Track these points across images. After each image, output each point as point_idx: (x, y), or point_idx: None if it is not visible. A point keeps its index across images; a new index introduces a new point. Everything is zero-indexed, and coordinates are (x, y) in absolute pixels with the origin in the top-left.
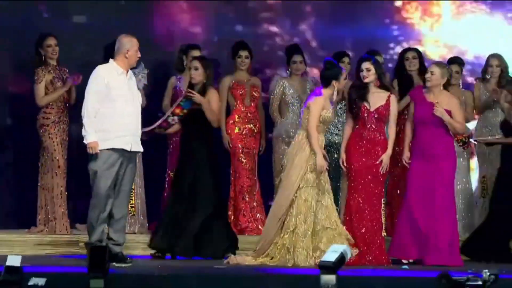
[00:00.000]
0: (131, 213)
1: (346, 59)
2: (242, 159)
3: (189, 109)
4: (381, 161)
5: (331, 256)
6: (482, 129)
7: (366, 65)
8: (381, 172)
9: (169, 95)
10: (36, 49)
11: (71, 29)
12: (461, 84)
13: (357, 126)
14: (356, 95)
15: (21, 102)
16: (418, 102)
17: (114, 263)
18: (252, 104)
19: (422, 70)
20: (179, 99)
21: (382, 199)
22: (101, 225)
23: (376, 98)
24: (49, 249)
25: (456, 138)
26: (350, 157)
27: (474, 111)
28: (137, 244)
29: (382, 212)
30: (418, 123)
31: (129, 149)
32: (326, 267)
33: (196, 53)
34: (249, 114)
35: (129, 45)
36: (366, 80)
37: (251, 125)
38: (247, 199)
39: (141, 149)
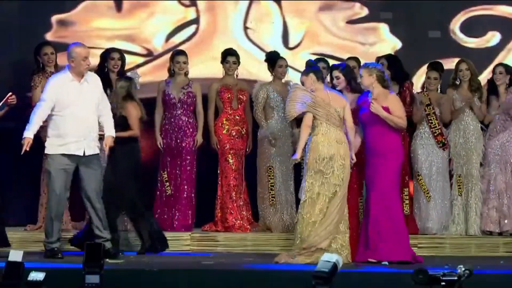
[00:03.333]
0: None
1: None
2: (230, 160)
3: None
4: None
5: (324, 265)
6: (456, 132)
7: (335, 73)
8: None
9: (160, 98)
10: (34, 57)
11: None
12: (439, 89)
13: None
14: None
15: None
16: (362, 105)
17: (107, 260)
18: (239, 107)
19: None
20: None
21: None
22: (56, 224)
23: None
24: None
25: (436, 140)
26: None
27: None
28: (128, 240)
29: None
30: (364, 124)
31: (81, 154)
32: (320, 277)
33: (182, 58)
34: (236, 117)
35: (74, 55)
36: (338, 88)
37: (239, 127)
38: (234, 198)
39: (97, 151)
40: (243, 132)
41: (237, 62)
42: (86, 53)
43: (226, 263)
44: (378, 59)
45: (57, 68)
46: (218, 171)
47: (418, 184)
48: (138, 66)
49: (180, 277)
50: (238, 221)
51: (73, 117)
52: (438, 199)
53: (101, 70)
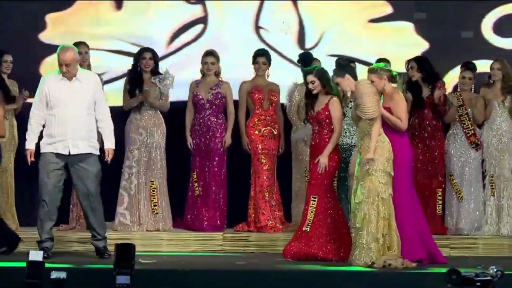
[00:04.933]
0: (155, 211)
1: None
2: (262, 160)
3: None
4: (318, 161)
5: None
6: (488, 133)
7: (310, 78)
8: (319, 172)
9: (190, 99)
10: None
11: None
12: (473, 89)
13: (312, 131)
14: (307, 104)
15: None
16: None
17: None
18: (270, 107)
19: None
20: None
21: (312, 196)
22: (47, 222)
23: (319, 103)
24: (77, 246)
25: (469, 141)
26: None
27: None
28: (161, 241)
29: (311, 208)
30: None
31: (67, 153)
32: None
33: (211, 59)
34: (268, 117)
35: (57, 57)
36: (314, 92)
37: (270, 127)
38: (267, 198)
39: (85, 151)
40: (274, 133)
41: (267, 62)
42: (67, 58)
43: (258, 264)
44: (408, 62)
45: (90, 68)
46: (251, 172)
47: (451, 185)
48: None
49: (212, 278)
50: (271, 221)
51: (61, 116)
52: (470, 200)
53: (135, 70)
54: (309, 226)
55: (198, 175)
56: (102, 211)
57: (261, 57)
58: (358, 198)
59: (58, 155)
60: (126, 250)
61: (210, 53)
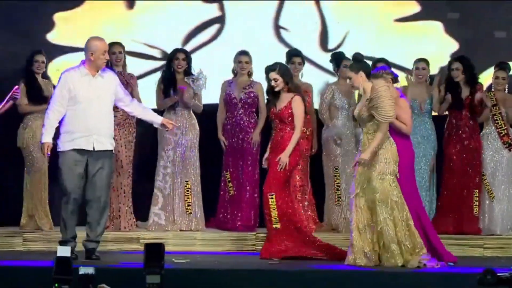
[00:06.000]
0: (188, 211)
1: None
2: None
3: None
4: (279, 159)
5: None
6: None
7: (273, 75)
8: (279, 170)
9: (222, 98)
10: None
11: None
12: (506, 89)
13: (273, 128)
14: (270, 102)
15: None
16: None
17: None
18: None
19: (469, 77)
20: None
21: (269, 194)
22: (71, 220)
23: (282, 100)
24: (111, 245)
25: (502, 140)
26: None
27: None
28: (194, 240)
29: (272, 206)
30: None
31: (91, 149)
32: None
33: (245, 58)
34: None
35: (94, 48)
36: (276, 89)
37: (304, 127)
38: (300, 198)
39: (108, 148)
40: (307, 133)
41: (303, 63)
42: (105, 46)
43: (291, 263)
44: (452, 62)
45: (125, 69)
46: None
47: (483, 184)
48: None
49: (244, 277)
50: (304, 221)
51: (85, 112)
52: (503, 200)
53: (168, 70)
54: (278, 223)
55: (232, 174)
56: (107, 213)
57: (297, 57)
58: (370, 201)
59: (80, 151)
60: (155, 250)
61: (244, 52)
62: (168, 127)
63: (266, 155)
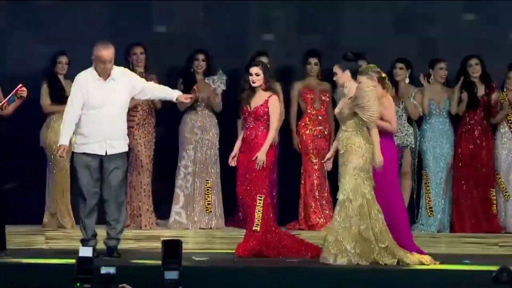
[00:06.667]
0: (208, 210)
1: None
2: (313, 159)
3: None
4: (256, 157)
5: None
6: None
7: (255, 70)
8: (257, 168)
9: None
10: (125, 57)
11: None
12: None
13: (246, 127)
14: (242, 99)
15: None
16: None
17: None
18: (321, 107)
19: (484, 75)
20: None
21: (258, 195)
22: (89, 219)
23: (258, 98)
24: (131, 243)
25: None
26: (238, 156)
27: None
28: (214, 239)
29: (258, 207)
30: None
31: (103, 154)
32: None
33: (265, 59)
34: (319, 117)
35: (94, 56)
36: (254, 85)
37: (322, 127)
38: (317, 197)
39: (120, 151)
40: (325, 132)
41: (319, 63)
42: (106, 56)
43: (309, 261)
44: (468, 59)
45: (146, 69)
46: (302, 171)
47: (497, 183)
48: None
49: (263, 275)
50: (321, 220)
51: (97, 118)
52: None
53: (188, 71)
54: (258, 226)
55: None
56: (126, 209)
57: (313, 58)
58: (341, 197)
59: (93, 155)
60: (173, 246)
61: (264, 53)
62: (186, 101)
63: (233, 153)
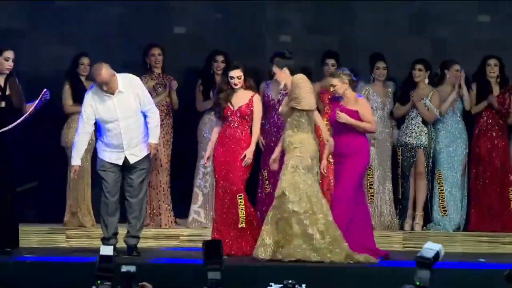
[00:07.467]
0: None
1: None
2: (330, 159)
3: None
4: (244, 156)
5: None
6: None
7: (237, 72)
8: (244, 166)
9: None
10: (143, 58)
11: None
12: None
13: (223, 126)
14: (221, 99)
15: None
16: (332, 108)
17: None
18: None
19: (502, 77)
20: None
21: (238, 195)
22: (110, 218)
23: (240, 98)
24: (151, 242)
25: None
26: (215, 155)
27: None
28: None
29: (241, 206)
30: (333, 126)
31: (121, 164)
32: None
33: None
34: None
35: (93, 78)
36: (236, 87)
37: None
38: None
39: (142, 156)
40: None
41: (336, 64)
42: (102, 79)
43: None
44: (487, 59)
45: (163, 70)
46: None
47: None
48: None
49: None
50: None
51: (114, 131)
52: None
53: (207, 72)
54: (243, 223)
55: (269, 173)
56: (145, 209)
57: (331, 59)
58: (276, 193)
59: (112, 163)
60: (214, 246)
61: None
62: (150, 151)
63: (208, 153)
